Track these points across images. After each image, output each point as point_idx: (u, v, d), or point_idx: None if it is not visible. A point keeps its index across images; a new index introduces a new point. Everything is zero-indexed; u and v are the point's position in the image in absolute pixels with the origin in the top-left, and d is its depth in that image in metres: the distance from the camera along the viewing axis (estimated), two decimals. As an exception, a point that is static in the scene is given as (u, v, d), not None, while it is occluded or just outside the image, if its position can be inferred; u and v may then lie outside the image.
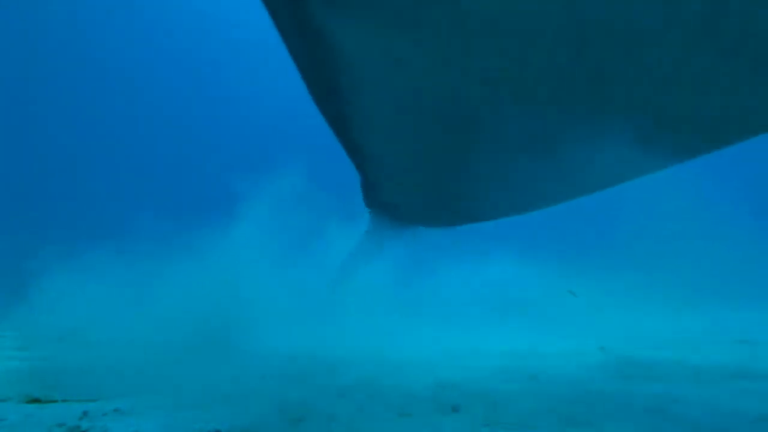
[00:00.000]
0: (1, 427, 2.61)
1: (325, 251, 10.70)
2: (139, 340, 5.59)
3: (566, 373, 4.04)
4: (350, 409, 2.87)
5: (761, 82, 3.12)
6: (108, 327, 6.48)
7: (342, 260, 9.91)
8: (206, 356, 4.97)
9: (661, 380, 3.70)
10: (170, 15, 31.77)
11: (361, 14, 3.09)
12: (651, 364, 4.42)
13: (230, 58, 33.41)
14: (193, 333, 5.55)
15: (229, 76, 33.96)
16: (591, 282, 10.99)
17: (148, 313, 6.49)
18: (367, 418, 2.67)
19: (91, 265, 9.03)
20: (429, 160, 4.84)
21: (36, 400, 3.16)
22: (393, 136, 4.36)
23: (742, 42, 2.86)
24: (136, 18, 30.40)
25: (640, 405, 2.90)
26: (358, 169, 5.64)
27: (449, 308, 9.39)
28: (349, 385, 3.59)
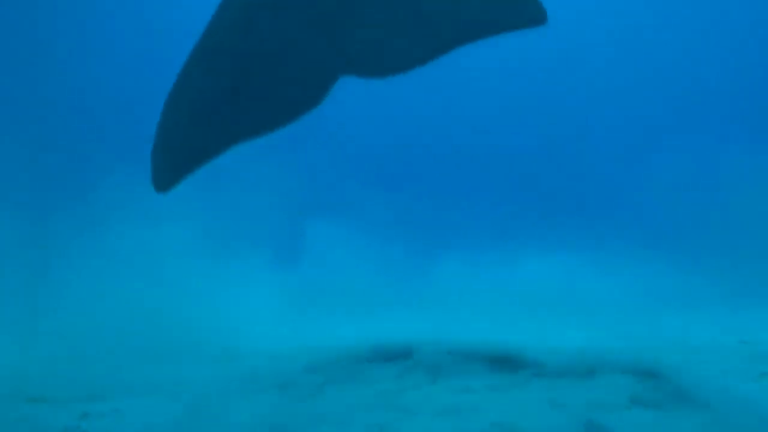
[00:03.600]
0: (2, 427, 2.60)
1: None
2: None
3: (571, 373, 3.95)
4: (342, 410, 2.82)
5: None
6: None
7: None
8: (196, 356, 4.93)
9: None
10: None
11: None
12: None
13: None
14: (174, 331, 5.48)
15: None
16: (591, 278, 10.91)
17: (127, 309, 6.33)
18: (361, 419, 2.64)
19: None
20: None
21: (36, 400, 3.15)
22: None
23: None
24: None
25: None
26: None
27: (450, 305, 9.30)
28: (338, 386, 3.54)
